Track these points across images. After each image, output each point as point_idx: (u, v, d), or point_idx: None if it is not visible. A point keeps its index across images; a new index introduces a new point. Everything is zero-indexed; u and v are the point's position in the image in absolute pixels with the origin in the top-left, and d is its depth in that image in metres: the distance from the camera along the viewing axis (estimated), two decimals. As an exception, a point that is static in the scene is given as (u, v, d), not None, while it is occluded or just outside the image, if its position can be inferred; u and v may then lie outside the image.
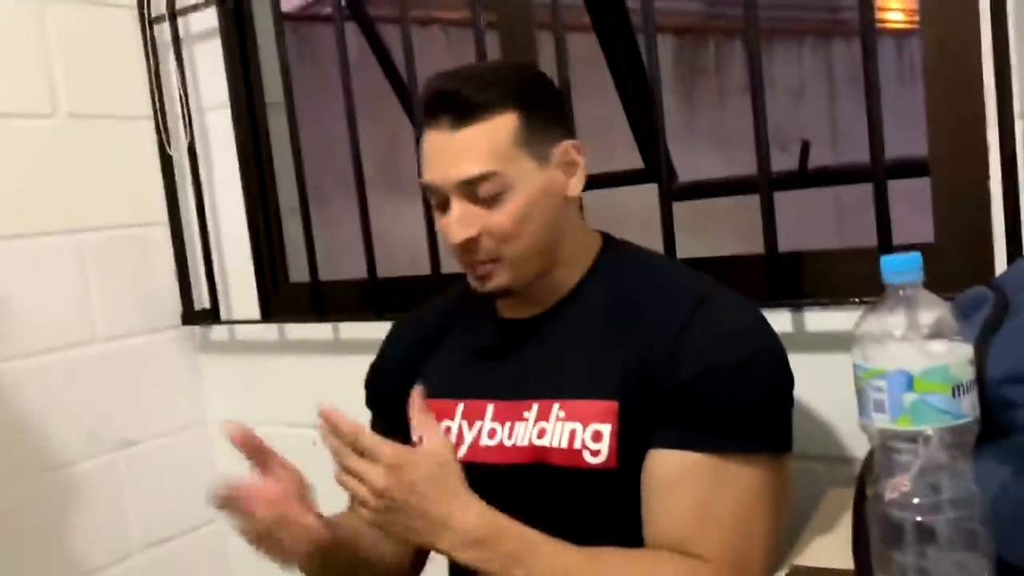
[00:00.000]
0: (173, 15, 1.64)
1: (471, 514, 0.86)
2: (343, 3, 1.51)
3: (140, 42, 1.67)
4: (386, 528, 0.87)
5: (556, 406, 0.93)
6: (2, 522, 1.46)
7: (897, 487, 0.65)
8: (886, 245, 1.07)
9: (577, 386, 0.93)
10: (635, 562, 0.88)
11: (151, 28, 1.66)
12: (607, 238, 1.04)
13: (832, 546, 0.91)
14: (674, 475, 0.88)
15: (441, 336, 1.07)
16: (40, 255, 1.53)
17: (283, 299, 1.68)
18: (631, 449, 0.89)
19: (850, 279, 1.11)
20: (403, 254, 1.74)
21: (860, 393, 0.68)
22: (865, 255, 1.12)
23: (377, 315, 1.45)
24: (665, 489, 0.88)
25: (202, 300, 1.73)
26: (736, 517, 0.87)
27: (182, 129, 1.68)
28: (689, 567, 0.85)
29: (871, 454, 0.74)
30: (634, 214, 1.46)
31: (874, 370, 0.66)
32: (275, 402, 1.67)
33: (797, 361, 1.12)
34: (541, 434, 0.93)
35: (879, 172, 1.08)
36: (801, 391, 1.10)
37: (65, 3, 1.57)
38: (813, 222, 1.39)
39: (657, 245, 1.24)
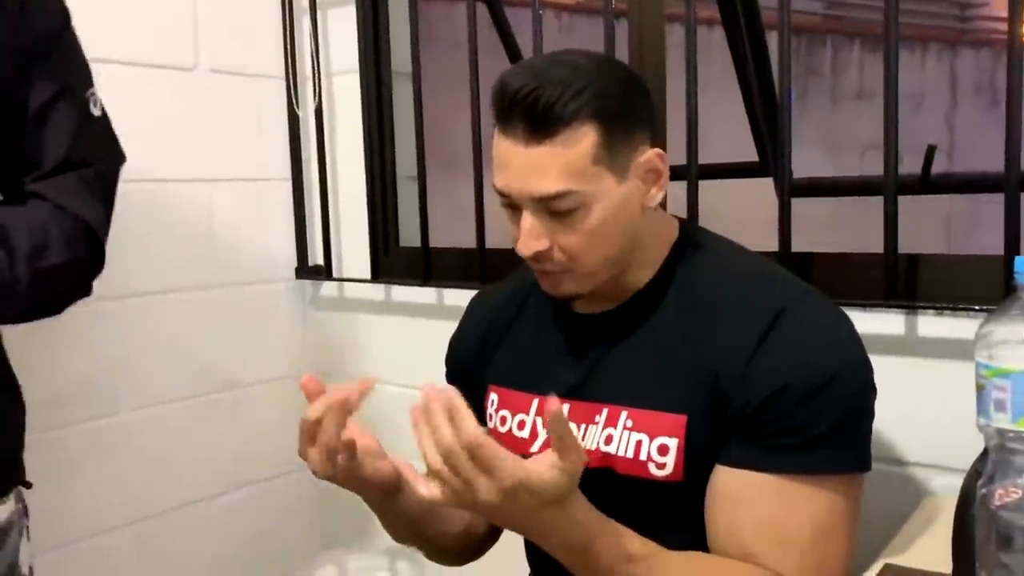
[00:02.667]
0: (312, -19, 1.71)
1: (575, 531, 0.81)
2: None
3: (279, 4, 1.75)
4: (493, 519, 0.84)
5: (624, 414, 0.91)
6: (115, 448, 1.56)
7: (1010, 489, 0.65)
8: (1013, 255, 1.05)
9: (645, 396, 0.91)
10: (713, 570, 0.86)
11: (290, -8, 1.73)
12: (684, 228, 0.99)
13: (927, 550, 0.90)
14: (742, 491, 0.85)
15: (512, 320, 1.06)
16: (173, 200, 1.62)
17: (392, 261, 1.74)
18: (698, 463, 0.88)
19: (968, 286, 1.09)
20: (495, 227, 1.78)
21: (981, 392, 0.68)
22: (986, 263, 1.10)
23: (482, 283, 1.49)
24: (731, 503, 0.86)
25: (316, 256, 1.81)
26: (812, 537, 0.84)
27: (311, 91, 1.75)
28: None
29: (980, 459, 0.74)
30: (729, 208, 1.46)
31: (998, 370, 0.66)
32: (376, 360, 1.74)
33: (905, 365, 1.12)
34: (608, 440, 0.92)
35: (1012, 181, 1.05)
36: (906, 396, 1.10)
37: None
38: (921, 229, 1.36)
39: (756, 240, 1.24)
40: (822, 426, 0.83)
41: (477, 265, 1.55)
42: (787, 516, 0.84)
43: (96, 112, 1.06)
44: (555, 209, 0.86)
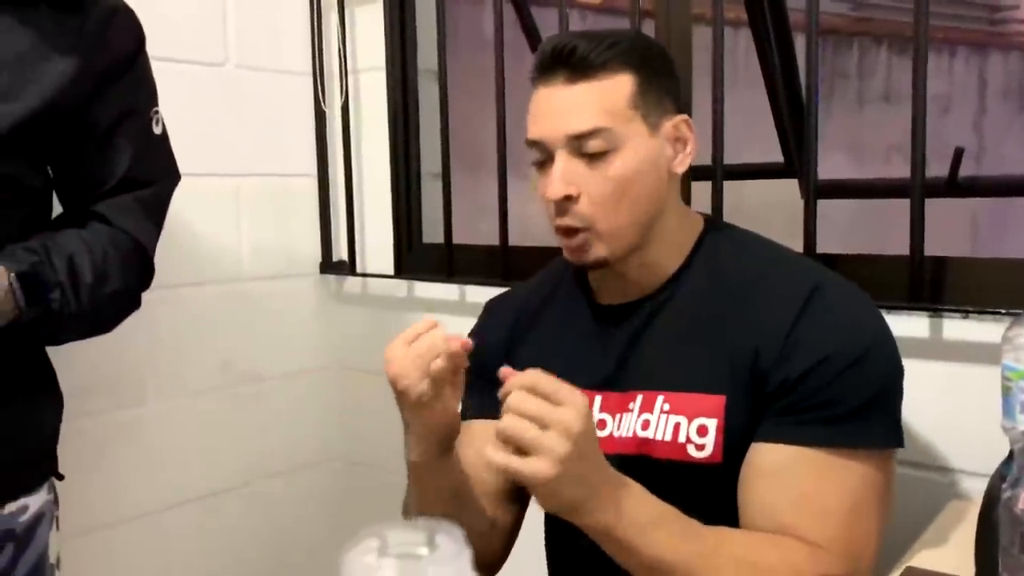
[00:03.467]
0: (341, -21, 1.72)
1: (621, 480, 0.81)
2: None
3: (307, 2, 1.76)
4: (559, 485, 0.76)
5: (660, 398, 0.92)
6: (142, 438, 1.59)
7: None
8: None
9: (682, 378, 0.91)
10: (763, 544, 0.85)
11: (318, -10, 1.75)
12: (708, 220, 1.01)
13: (950, 553, 0.90)
14: (778, 465, 0.86)
15: (537, 319, 1.06)
16: (201, 194, 1.64)
17: (416, 257, 1.75)
18: (737, 443, 0.88)
19: (994, 289, 1.09)
20: (516, 226, 1.79)
21: (1007, 395, 0.68)
22: (1013, 266, 1.10)
23: (505, 280, 1.49)
24: (767, 478, 0.86)
25: (340, 252, 1.82)
26: (848, 509, 0.85)
27: (338, 88, 1.77)
28: (810, 551, 0.83)
29: (1005, 462, 0.73)
30: (753, 208, 1.45)
31: (1026, 373, 0.66)
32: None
33: (930, 369, 1.11)
34: (645, 426, 0.92)
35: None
36: (931, 399, 1.09)
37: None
38: (947, 231, 1.35)
39: (780, 240, 1.24)
40: (859, 399, 0.85)
41: (500, 262, 1.55)
42: (824, 489, 0.85)
43: (157, 131, 1.11)
44: (588, 150, 0.89)
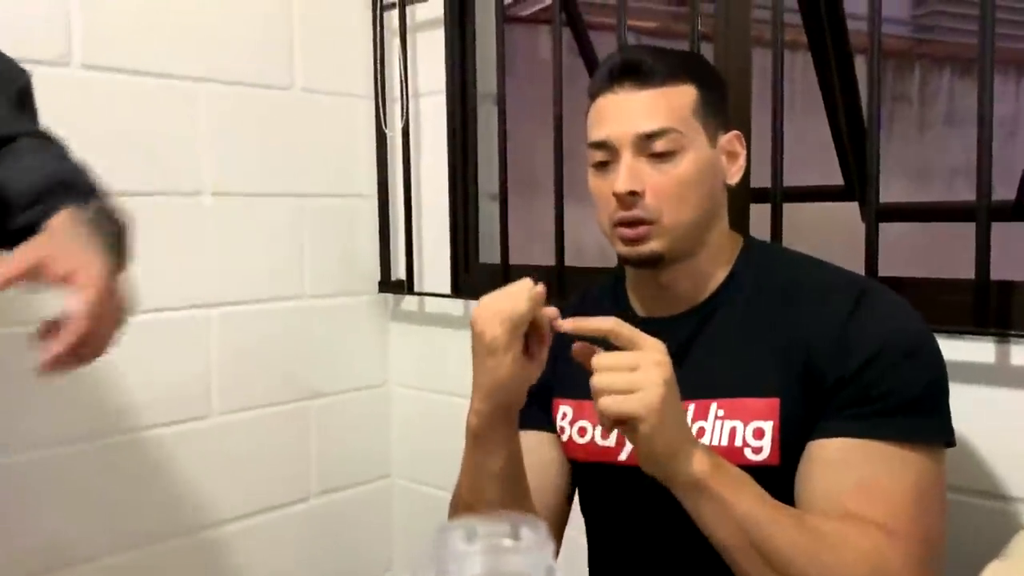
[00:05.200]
0: (402, 3, 1.77)
1: (701, 446, 0.84)
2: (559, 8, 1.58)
3: (370, 27, 1.81)
4: (656, 425, 0.78)
5: (714, 405, 0.93)
6: (203, 451, 1.63)
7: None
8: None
9: (735, 384, 0.93)
10: (839, 521, 0.84)
11: (381, 14, 1.80)
12: (749, 238, 1.05)
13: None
14: (838, 456, 0.86)
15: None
16: (265, 213, 1.69)
17: (472, 277, 1.77)
18: (794, 444, 0.89)
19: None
20: (569, 246, 1.81)
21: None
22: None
23: (560, 300, 1.50)
24: (828, 468, 0.86)
25: (398, 271, 1.85)
26: (912, 499, 0.85)
27: (399, 111, 1.81)
28: (886, 533, 0.83)
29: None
30: (811, 232, 1.44)
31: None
32: (454, 373, 1.76)
33: (997, 395, 1.09)
34: (700, 434, 0.93)
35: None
36: (997, 426, 1.07)
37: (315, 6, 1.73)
38: (1013, 256, 1.33)
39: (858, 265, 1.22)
40: (913, 392, 0.86)
41: (555, 282, 1.57)
42: (886, 478, 0.85)
43: None
44: (654, 150, 0.93)
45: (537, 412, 1.05)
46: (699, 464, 0.81)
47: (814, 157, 1.60)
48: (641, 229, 0.94)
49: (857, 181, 1.42)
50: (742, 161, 1.00)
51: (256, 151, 1.67)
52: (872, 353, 0.87)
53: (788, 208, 1.30)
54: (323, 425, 1.80)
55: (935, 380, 0.89)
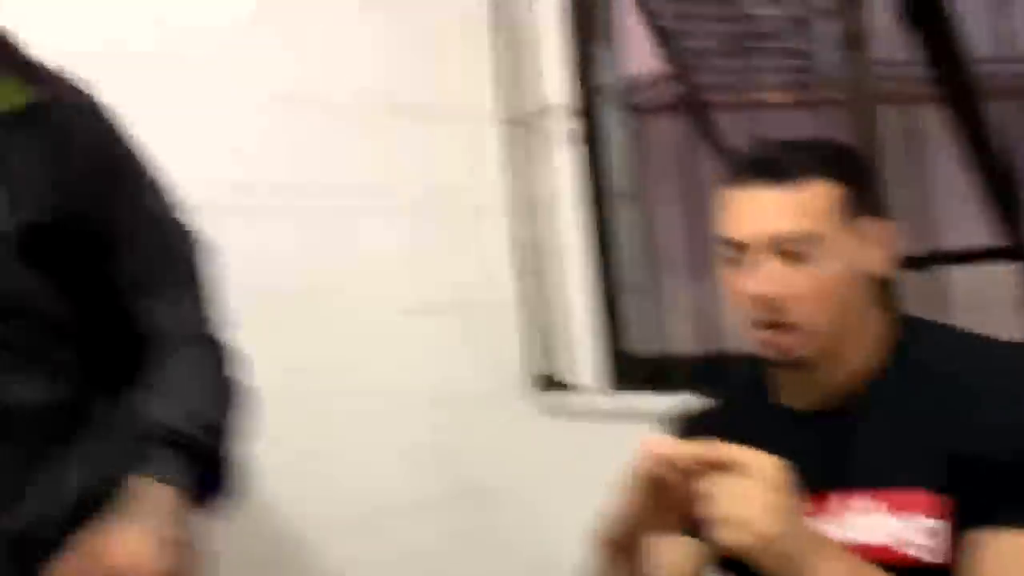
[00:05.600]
0: (532, 120, 1.87)
1: (836, 543, 0.83)
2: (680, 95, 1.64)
3: (500, 143, 1.91)
4: (765, 544, 0.78)
5: (875, 499, 0.89)
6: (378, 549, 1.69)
7: None
8: None
9: (897, 476, 0.88)
10: None
11: (520, 131, 1.90)
12: (906, 318, 0.98)
13: None
14: (1004, 550, 0.81)
15: (728, 436, 0.99)
16: (423, 324, 1.79)
17: (626, 370, 1.80)
18: (957, 541, 0.84)
19: None
20: (727, 328, 1.79)
21: None
22: None
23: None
24: (1002, 567, 0.81)
25: (549, 367, 1.90)
26: None
27: (539, 216, 1.89)
28: None
29: None
30: (972, 295, 1.38)
31: None
32: (610, 467, 1.76)
33: None
34: (861, 529, 0.89)
35: None
36: None
37: (446, 122, 1.86)
38: None
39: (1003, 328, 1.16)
40: None
41: (707, 371, 1.57)
42: None
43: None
44: (789, 250, 0.89)
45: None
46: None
47: (964, 214, 1.53)
48: (783, 338, 0.92)
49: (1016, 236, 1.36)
50: (891, 252, 0.94)
51: (400, 266, 1.79)
52: None
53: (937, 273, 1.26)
54: (480, 521, 1.83)
55: None
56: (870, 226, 0.93)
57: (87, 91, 1.01)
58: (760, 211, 0.92)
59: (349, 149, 1.74)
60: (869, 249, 0.93)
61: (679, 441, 0.86)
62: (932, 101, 1.52)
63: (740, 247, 0.93)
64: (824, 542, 0.82)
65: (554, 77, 1.87)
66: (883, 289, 0.98)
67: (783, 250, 0.90)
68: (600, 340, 1.80)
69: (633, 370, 1.78)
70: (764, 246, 0.91)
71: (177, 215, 1.05)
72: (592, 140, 1.84)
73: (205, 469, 0.94)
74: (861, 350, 0.94)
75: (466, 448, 1.83)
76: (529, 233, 1.91)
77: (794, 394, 0.99)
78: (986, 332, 0.97)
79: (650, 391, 1.68)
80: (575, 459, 1.85)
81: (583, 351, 1.86)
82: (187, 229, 1.06)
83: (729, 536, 0.78)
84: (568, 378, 1.87)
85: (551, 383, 1.89)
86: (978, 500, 0.84)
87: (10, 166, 0.92)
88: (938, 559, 0.85)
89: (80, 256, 0.96)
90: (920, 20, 1.34)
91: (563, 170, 1.87)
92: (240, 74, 1.65)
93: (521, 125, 1.90)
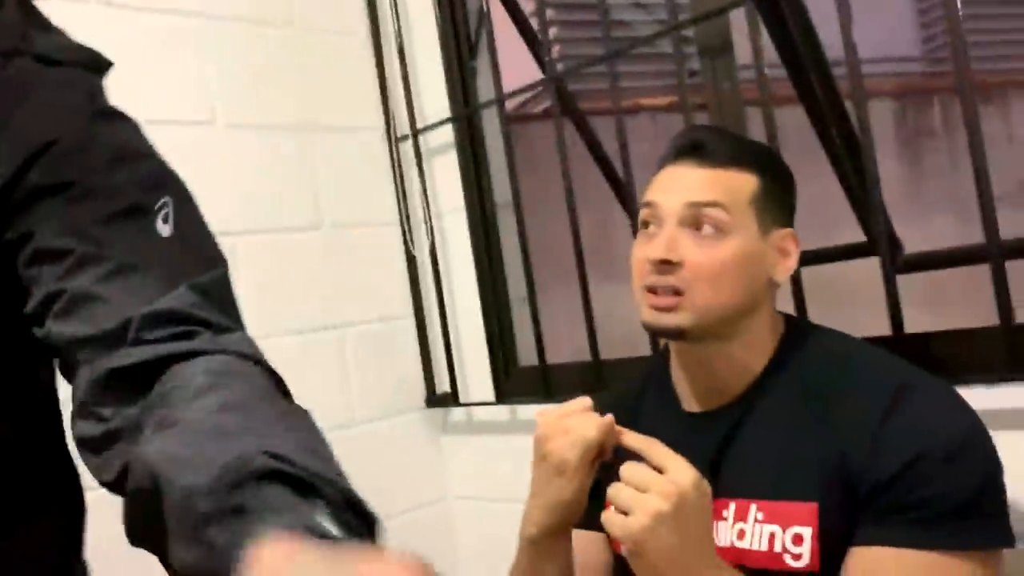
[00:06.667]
0: (415, 134, 1.87)
1: (727, 569, 0.84)
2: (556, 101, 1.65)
3: (388, 159, 1.91)
4: (651, 546, 0.79)
5: (754, 507, 0.91)
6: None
7: None
8: None
9: (774, 485, 0.91)
10: None
11: (397, 147, 1.89)
12: (790, 320, 1.02)
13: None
14: (878, 568, 0.83)
15: (630, 425, 1.04)
16: (310, 349, 1.76)
17: (514, 382, 1.81)
18: (833, 550, 0.87)
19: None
20: (618, 333, 1.82)
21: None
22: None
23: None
24: None
25: (442, 385, 1.89)
26: None
27: (424, 232, 1.89)
28: None
29: None
30: (861, 288, 1.44)
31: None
32: (508, 479, 1.77)
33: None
34: (740, 535, 0.92)
35: None
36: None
37: (327, 132, 1.84)
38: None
39: (882, 320, 1.23)
40: (955, 499, 0.82)
41: (593, 377, 1.59)
42: None
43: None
44: (700, 221, 0.93)
45: (591, 511, 1.06)
46: None
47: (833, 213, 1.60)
48: (670, 299, 0.94)
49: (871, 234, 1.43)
50: (792, 262, 0.98)
51: (294, 291, 1.75)
52: (906, 460, 0.83)
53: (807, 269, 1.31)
54: (390, 548, 1.81)
55: (983, 483, 0.84)
56: (778, 232, 0.97)
57: None
58: (680, 182, 0.96)
59: (235, 167, 1.69)
60: (772, 252, 0.96)
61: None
62: (794, 102, 1.57)
63: (653, 209, 0.96)
64: (712, 560, 0.84)
65: (434, 91, 1.87)
66: (773, 293, 1.00)
67: (692, 221, 0.93)
68: (491, 354, 1.80)
69: (523, 382, 1.78)
70: (675, 212, 0.94)
71: None
72: (474, 152, 1.84)
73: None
74: (750, 348, 0.97)
75: (367, 472, 1.79)
76: (420, 248, 1.90)
77: (688, 392, 1.02)
78: (848, 325, 1.02)
79: (540, 401, 1.69)
80: (477, 473, 1.85)
81: (474, 366, 1.85)
82: None
83: (608, 521, 0.82)
84: (462, 393, 1.87)
85: (446, 399, 1.87)
86: (849, 515, 0.86)
87: None
88: (813, 567, 0.87)
89: None
90: (778, 24, 1.39)
91: (447, 183, 1.87)
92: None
93: (405, 140, 1.88)
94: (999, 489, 0.86)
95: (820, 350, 0.97)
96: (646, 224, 0.98)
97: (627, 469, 0.82)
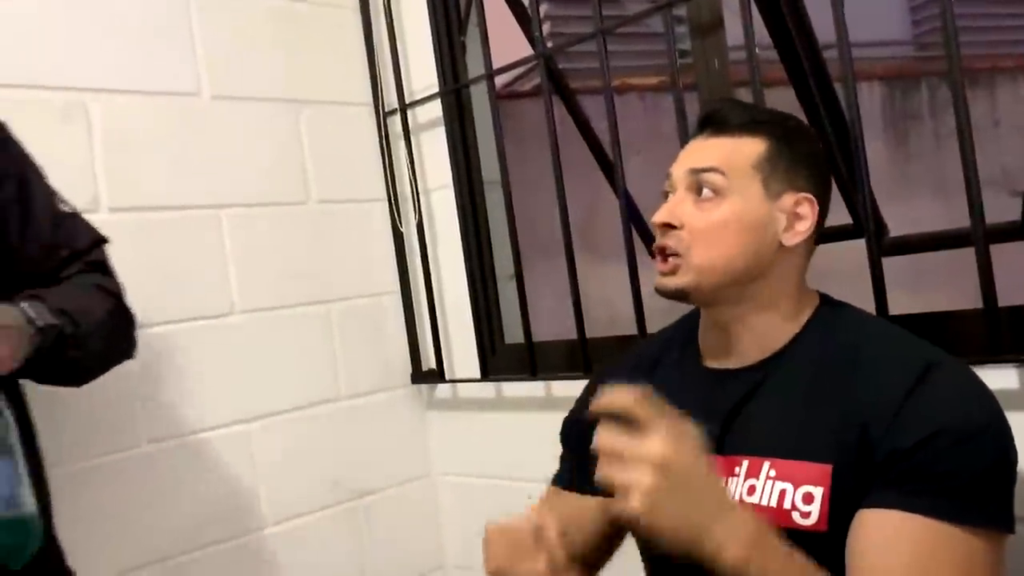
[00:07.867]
0: (403, 108, 1.85)
1: (746, 511, 0.84)
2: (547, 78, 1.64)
3: (375, 134, 1.90)
4: (656, 518, 0.80)
5: (767, 464, 0.93)
6: (260, 564, 1.66)
7: None
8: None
9: (789, 445, 0.92)
10: None
11: (384, 121, 1.88)
12: (825, 298, 1.03)
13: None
14: (889, 535, 0.85)
15: (651, 378, 1.06)
16: (296, 323, 1.75)
17: (500, 359, 1.81)
18: (843, 512, 0.88)
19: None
20: (602, 314, 1.82)
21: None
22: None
23: (587, 373, 1.53)
24: (878, 549, 0.85)
25: (428, 361, 1.89)
26: None
27: (412, 208, 1.88)
28: None
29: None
30: (847, 269, 1.44)
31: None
32: (493, 456, 1.79)
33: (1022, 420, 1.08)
34: (751, 491, 0.93)
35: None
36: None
37: (315, 105, 1.82)
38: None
39: (868, 302, 1.23)
40: (969, 475, 0.84)
41: (580, 356, 1.59)
42: (936, 559, 0.83)
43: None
44: (700, 184, 0.97)
45: (584, 472, 1.04)
46: (734, 549, 0.81)
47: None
48: (670, 262, 0.97)
49: (857, 218, 1.43)
50: (805, 227, 0.97)
51: (280, 265, 1.74)
52: (928, 433, 0.85)
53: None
54: (373, 522, 1.82)
55: (992, 467, 0.86)
56: (790, 196, 0.97)
57: None
58: (694, 152, 1.00)
59: (221, 144, 1.67)
60: (782, 218, 0.97)
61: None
62: (783, 84, 1.57)
63: (669, 180, 1.01)
64: (725, 503, 0.84)
65: (423, 66, 1.85)
66: (802, 264, 1.01)
67: (694, 186, 0.98)
68: (477, 331, 1.80)
69: (510, 358, 1.79)
70: (682, 179, 0.99)
71: None
72: (463, 128, 1.83)
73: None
74: (773, 317, 0.99)
75: (353, 447, 1.80)
76: (407, 224, 1.89)
77: (712, 350, 1.04)
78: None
79: (526, 379, 1.69)
80: (462, 450, 1.86)
81: (461, 342, 1.85)
82: None
83: (620, 516, 0.81)
84: (448, 370, 1.87)
85: (432, 375, 1.88)
86: (862, 480, 0.88)
87: None
88: (821, 527, 0.89)
89: None
90: (769, 5, 1.39)
91: (435, 159, 1.85)
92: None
93: (393, 115, 1.86)
94: (1009, 478, 0.88)
95: (851, 325, 0.99)
96: (666, 195, 1.02)
97: (605, 440, 0.82)
